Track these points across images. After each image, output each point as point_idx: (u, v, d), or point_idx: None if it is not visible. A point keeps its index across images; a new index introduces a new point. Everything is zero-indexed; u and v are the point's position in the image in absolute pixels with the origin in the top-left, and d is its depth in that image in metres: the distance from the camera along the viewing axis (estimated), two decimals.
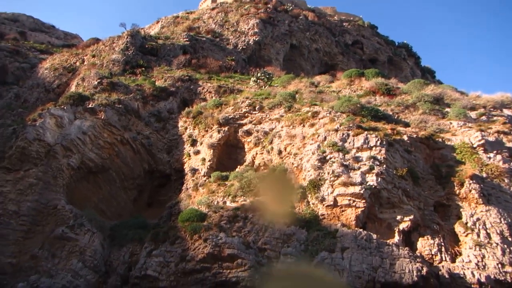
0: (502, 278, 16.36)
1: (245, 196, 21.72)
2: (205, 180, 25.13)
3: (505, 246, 17.29)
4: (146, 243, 20.28)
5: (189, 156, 27.66)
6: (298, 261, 17.27)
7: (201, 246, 18.72)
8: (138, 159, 27.95)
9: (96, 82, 31.25)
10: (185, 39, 43.17)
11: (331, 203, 19.39)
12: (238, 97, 30.13)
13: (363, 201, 18.84)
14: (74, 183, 24.56)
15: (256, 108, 27.75)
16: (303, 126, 24.57)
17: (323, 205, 19.58)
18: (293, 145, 23.70)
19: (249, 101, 28.59)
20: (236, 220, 19.80)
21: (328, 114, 24.39)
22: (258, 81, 34.78)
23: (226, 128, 27.27)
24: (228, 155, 27.40)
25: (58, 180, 23.06)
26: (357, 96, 28.48)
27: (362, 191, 18.84)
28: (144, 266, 18.97)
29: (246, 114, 27.72)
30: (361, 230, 18.06)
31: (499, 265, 16.68)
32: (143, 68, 36.30)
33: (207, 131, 28.03)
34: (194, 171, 26.41)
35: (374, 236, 17.72)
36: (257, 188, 21.85)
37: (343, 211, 19.19)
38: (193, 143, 28.19)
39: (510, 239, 17.60)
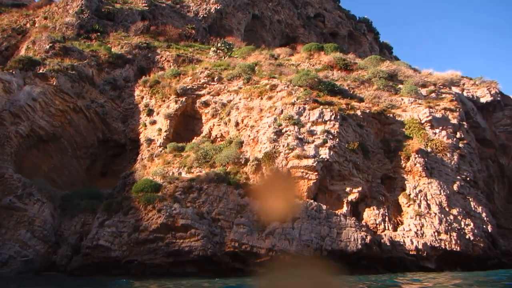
0: (437, 245, 17.64)
1: (201, 167, 21.81)
2: (161, 151, 24.93)
3: (442, 216, 18.53)
4: (98, 213, 20.09)
5: (145, 126, 27.24)
6: (250, 231, 17.74)
7: (155, 217, 18.79)
8: (91, 127, 27.23)
9: (47, 46, 29.69)
10: (144, 4, 41.51)
11: (285, 175, 19.82)
12: (197, 67, 29.68)
13: (316, 173, 19.40)
14: (23, 151, 23.70)
15: (215, 79, 27.51)
16: (261, 98, 24.67)
17: (277, 177, 19.98)
18: (250, 118, 23.82)
19: (208, 71, 28.25)
20: (191, 191, 19.93)
21: (286, 88, 24.57)
22: (218, 51, 34.25)
23: (183, 99, 26.94)
24: (185, 126, 27.20)
25: (5, 148, 22.16)
26: (316, 70, 28.73)
27: (315, 164, 19.36)
28: (96, 236, 18.86)
29: (205, 85, 27.44)
30: (312, 201, 18.70)
31: (436, 233, 17.91)
32: (99, 33, 34.77)
33: (164, 101, 27.59)
34: (149, 141, 26.10)
35: (324, 207, 18.43)
36: (213, 160, 21.97)
37: (296, 182, 19.69)
38: (150, 113, 27.73)
39: (447, 209, 18.87)
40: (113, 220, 19.35)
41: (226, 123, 24.83)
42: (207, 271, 18.21)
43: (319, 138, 20.44)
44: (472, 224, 19.19)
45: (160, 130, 26.24)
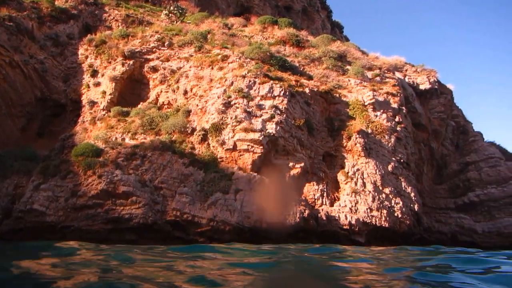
0: (369, 221, 18.87)
1: (146, 134, 21.41)
2: (104, 114, 24.07)
3: (376, 194, 19.76)
4: (34, 176, 19.22)
5: (88, 87, 26.04)
6: (192, 201, 17.88)
7: (95, 182, 18.32)
8: (29, 84, 25.55)
9: None
10: None
11: (231, 147, 19.99)
12: (147, 30, 28.58)
13: (261, 147, 19.73)
14: None
15: (165, 44, 26.70)
16: (212, 68, 24.38)
17: (223, 148, 20.12)
18: (200, 87, 23.54)
19: (159, 35, 27.32)
20: (134, 158, 19.58)
21: (237, 59, 24.41)
22: (170, 15, 33.12)
23: (131, 62, 25.94)
24: (131, 90, 26.32)
25: None
26: (268, 44, 28.73)
27: (261, 138, 19.65)
28: (30, 200, 18.09)
29: (154, 49, 26.56)
30: (255, 174, 19.09)
31: (368, 210, 19.11)
32: None
33: (110, 62, 26.42)
34: (92, 103, 25.06)
35: (267, 180, 18.89)
36: (159, 127, 21.62)
37: (241, 155, 19.95)
38: (94, 73, 26.49)
39: (381, 188, 20.12)
40: (49, 184, 18.62)
41: (174, 91, 24.36)
42: (146, 238, 18.18)
43: (267, 112, 20.69)
44: (401, 202, 20.64)
45: (104, 92, 25.22)
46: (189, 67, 24.92)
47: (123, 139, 21.19)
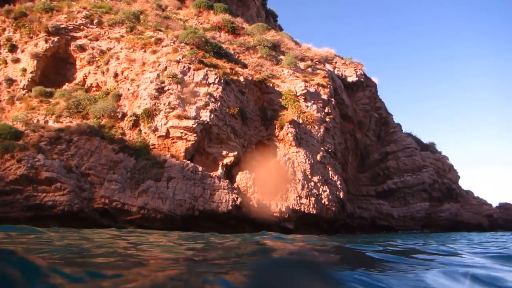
0: (298, 208, 19.69)
1: (72, 117, 20.28)
2: (24, 94, 22.34)
3: (305, 182, 20.61)
4: None
5: (6, 63, 23.92)
6: (122, 188, 17.38)
7: (14, 167, 17.04)
8: None
9: None
10: None
11: (164, 134, 19.63)
12: (74, 5, 26.71)
13: (195, 135, 19.60)
14: None
15: (94, 22, 25.22)
16: (145, 51, 23.53)
17: (155, 135, 19.70)
18: (132, 70, 22.67)
19: (87, 12, 25.70)
20: (59, 142, 18.47)
21: (172, 43, 23.80)
22: None
23: (55, 39, 24.19)
24: (55, 69, 24.62)
25: None
26: (203, 30, 28.32)
27: (194, 126, 19.51)
28: None
29: (82, 27, 24.99)
30: (188, 162, 18.97)
31: (298, 198, 19.91)
32: None
33: (31, 37, 24.43)
34: (11, 81, 23.10)
35: (200, 168, 18.88)
36: (86, 110, 20.56)
37: (174, 142, 19.68)
38: (13, 48, 24.36)
39: (310, 176, 21.01)
40: None
41: (103, 73, 23.23)
42: (71, 226, 17.39)
43: (201, 100, 20.54)
44: (328, 190, 21.75)
45: (24, 70, 23.35)
46: (120, 49, 23.83)
47: (46, 122, 19.86)
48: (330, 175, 22.92)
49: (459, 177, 45.59)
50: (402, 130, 43.39)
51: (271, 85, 24.84)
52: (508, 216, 49.21)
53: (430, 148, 45.14)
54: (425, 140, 46.67)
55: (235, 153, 20.28)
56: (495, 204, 49.76)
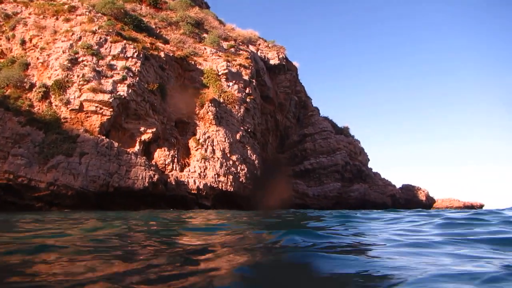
0: (216, 186, 20.05)
1: None
2: None
3: (224, 160, 20.99)
4: None
5: None
6: (29, 163, 16.37)
7: None
8: None
9: None
10: None
11: (77, 107, 18.73)
12: None
13: (111, 109, 18.95)
14: None
15: None
16: (57, 19, 22.05)
17: (67, 108, 18.72)
18: (42, 38, 21.14)
19: None
20: None
21: (87, 13, 22.52)
22: None
23: None
24: None
25: None
26: (123, 1, 27.04)
27: (111, 100, 18.85)
28: None
29: None
30: (103, 137, 18.34)
31: (216, 175, 20.25)
32: None
33: None
34: None
35: (116, 144, 18.35)
36: None
37: (88, 117, 18.87)
38: None
39: (228, 155, 21.42)
40: None
41: (9, 39, 21.38)
42: None
43: (118, 74, 19.84)
44: (246, 169, 22.35)
45: None
46: (28, 14, 22.05)
47: None
48: (249, 154, 23.54)
49: (368, 159, 49.14)
50: (319, 114, 45.53)
51: (193, 62, 24.64)
52: (408, 196, 54.28)
53: (344, 131, 47.95)
54: (340, 124, 49.44)
55: (154, 129, 19.97)
56: (399, 185, 54.69)
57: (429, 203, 58.67)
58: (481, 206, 67.29)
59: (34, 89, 19.00)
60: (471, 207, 64.85)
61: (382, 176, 50.19)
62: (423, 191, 57.95)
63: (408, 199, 53.10)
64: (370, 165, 49.10)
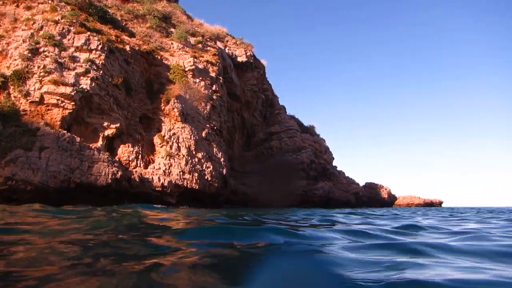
0: (181, 183, 19.95)
1: None
2: None
3: (189, 158, 20.91)
4: None
5: None
6: None
7: None
8: None
9: None
10: None
11: (37, 99, 18.09)
12: None
13: (73, 103, 18.44)
14: None
15: None
16: (17, 6, 21.21)
17: (27, 100, 18.05)
18: (0, 26, 20.25)
19: None
20: None
21: (50, 1, 21.78)
22: None
23: None
24: None
25: None
26: None
27: (73, 93, 18.35)
28: None
29: None
30: (65, 131, 17.84)
31: (181, 173, 20.14)
32: None
33: None
34: None
35: (78, 139, 17.90)
36: None
37: (49, 110, 18.28)
38: None
39: (194, 152, 21.35)
40: None
41: None
42: None
43: (81, 66, 19.32)
44: (211, 167, 22.34)
45: None
46: None
47: None
48: (215, 152, 23.54)
49: (333, 158, 50.19)
50: (286, 112, 46.03)
51: (159, 57, 24.33)
52: (371, 194, 55.88)
53: (310, 130, 48.76)
54: (306, 122, 50.19)
55: (118, 125, 19.60)
56: (363, 183, 56.18)
57: (391, 200, 60.66)
58: (440, 203, 70.20)
59: None
60: (431, 204, 67.53)
61: (346, 175, 51.45)
62: (385, 189, 59.82)
63: (371, 197, 54.68)
64: (334, 163, 50.17)
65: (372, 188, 57.81)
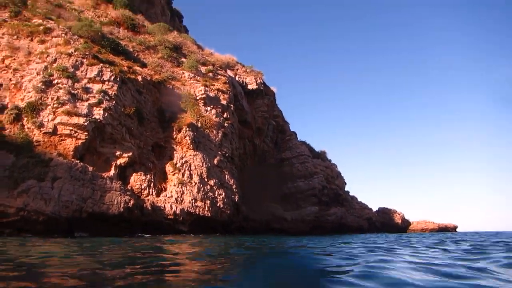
0: (193, 211, 19.70)
1: None
2: None
3: (201, 185, 20.72)
4: None
5: None
6: None
7: None
8: None
9: None
10: None
11: (50, 130, 18.25)
12: None
13: (86, 133, 18.56)
14: None
15: None
16: (31, 40, 21.68)
17: (40, 131, 18.21)
18: (15, 59, 20.69)
19: None
20: None
21: (63, 35, 22.28)
22: None
23: None
24: None
25: None
26: (100, 23, 26.98)
27: (86, 123, 18.49)
28: None
29: None
30: (77, 161, 17.86)
31: (193, 200, 19.93)
32: None
33: None
34: None
35: (90, 168, 17.88)
36: None
37: (62, 140, 18.39)
38: None
39: (206, 180, 21.18)
40: None
41: None
42: None
43: (94, 97, 19.55)
44: (223, 194, 22.11)
45: None
46: (1, 34, 21.57)
47: None
48: (226, 179, 23.34)
49: (345, 183, 49.56)
50: (297, 138, 45.89)
51: (170, 87, 24.58)
52: (384, 219, 54.80)
53: (321, 156, 48.40)
54: (317, 148, 49.92)
55: (130, 153, 19.60)
56: (376, 208, 55.24)
57: (404, 225, 59.31)
58: (455, 228, 68.44)
59: (5, 111, 18.43)
60: (445, 228, 65.90)
61: (359, 200, 50.65)
62: (398, 214, 58.63)
63: (384, 222, 53.57)
64: (347, 188, 49.51)
65: (385, 213, 56.75)
